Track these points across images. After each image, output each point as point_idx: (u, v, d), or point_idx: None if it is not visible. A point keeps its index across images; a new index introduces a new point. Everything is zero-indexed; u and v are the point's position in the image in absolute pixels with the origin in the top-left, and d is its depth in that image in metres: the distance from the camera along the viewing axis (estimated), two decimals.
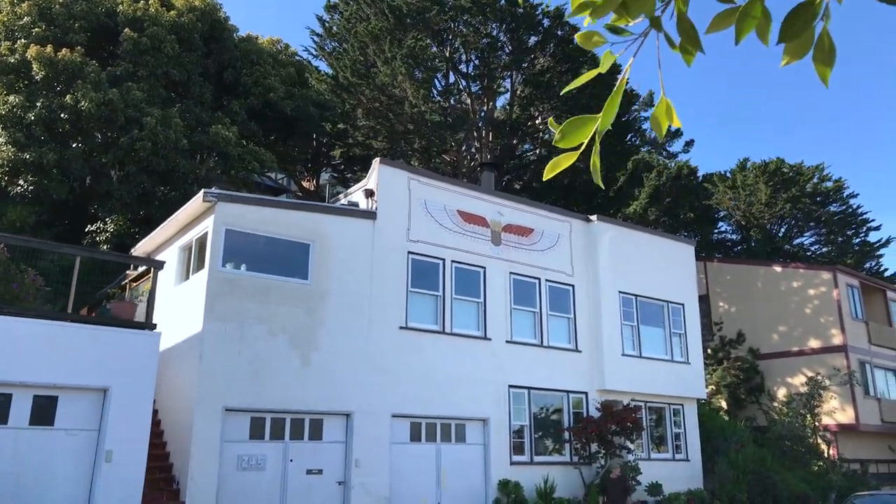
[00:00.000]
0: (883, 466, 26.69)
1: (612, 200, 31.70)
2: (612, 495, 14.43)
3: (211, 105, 21.81)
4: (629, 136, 31.64)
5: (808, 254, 42.89)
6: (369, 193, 15.91)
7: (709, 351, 27.10)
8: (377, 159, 16.26)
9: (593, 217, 19.52)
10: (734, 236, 45.03)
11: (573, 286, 18.50)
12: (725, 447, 20.00)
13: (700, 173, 43.48)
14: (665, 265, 20.33)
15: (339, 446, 13.87)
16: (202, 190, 13.64)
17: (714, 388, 26.32)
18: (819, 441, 21.24)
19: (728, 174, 42.58)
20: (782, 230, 43.22)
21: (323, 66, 29.20)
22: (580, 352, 18.02)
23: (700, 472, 19.23)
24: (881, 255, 44.77)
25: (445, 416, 15.45)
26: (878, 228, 43.12)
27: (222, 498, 12.23)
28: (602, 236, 19.20)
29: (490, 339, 16.53)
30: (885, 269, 44.84)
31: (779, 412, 21.93)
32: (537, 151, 31.18)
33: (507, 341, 16.85)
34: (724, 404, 26.26)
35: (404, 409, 14.83)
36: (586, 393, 17.79)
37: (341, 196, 17.93)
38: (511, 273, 17.44)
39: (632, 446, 17.12)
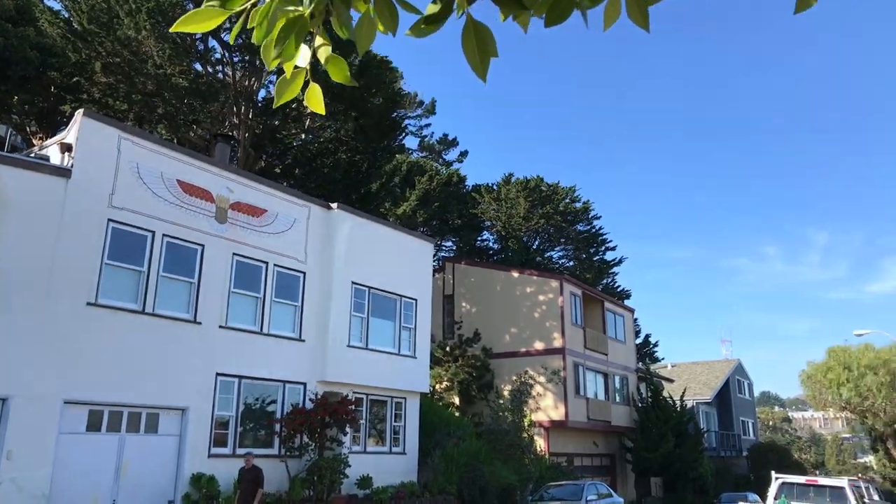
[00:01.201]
0: (587, 459, 29.59)
1: (374, 195, 31.71)
2: (243, 486, 13.91)
3: None
4: (397, 134, 31.88)
5: (557, 267, 46.75)
6: (66, 148, 13.86)
7: (447, 348, 28.07)
8: (80, 111, 14.24)
9: (334, 204, 19.07)
10: (495, 245, 47.76)
11: (304, 273, 17.85)
12: (447, 441, 20.60)
13: (470, 183, 45.69)
14: (403, 260, 20.47)
15: None
16: None
17: (449, 384, 27.28)
18: (527, 436, 22.80)
19: (494, 186, 45.01)
20: (536, 243, 46.71)
21: (59, 9, 25.60)
22: (304, 341, 17.39)
23: (415, 465, 19.54)
24: (616, 273, 50.28)
25: (135, 404, 13.88)
26: (614, 249, 48.49)
27: None
28: (341, 225, 18.79)
29: (200, 323, 15.25)
30: (619, 286, 50.40)
31: (498, 408, 23.22)
32: (302, 137, 30.25)
33: (222, 326, 15.69)
34: (456, 400, 27.32)
35: (83, 394, 13.04)
36: (305, 384, 17.19)
37: (35, 148, 15.51)
38: (235, 254, 16.32)
39: (345, 439, 16.84)
